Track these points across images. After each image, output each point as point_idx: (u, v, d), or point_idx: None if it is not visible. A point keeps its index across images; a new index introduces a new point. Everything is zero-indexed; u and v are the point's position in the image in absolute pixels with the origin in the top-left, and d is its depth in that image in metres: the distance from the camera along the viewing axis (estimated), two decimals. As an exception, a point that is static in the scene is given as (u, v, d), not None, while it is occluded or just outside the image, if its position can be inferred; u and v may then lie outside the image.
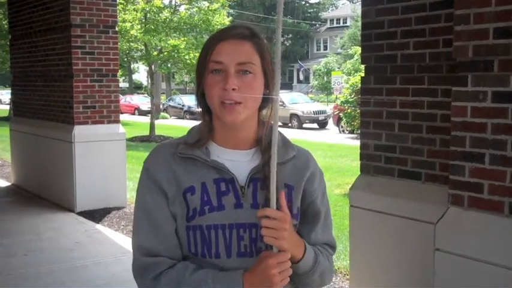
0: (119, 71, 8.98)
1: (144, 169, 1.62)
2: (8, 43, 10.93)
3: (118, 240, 6.28)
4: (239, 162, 1.59)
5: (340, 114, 14.63)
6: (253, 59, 1.56)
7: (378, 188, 3.95)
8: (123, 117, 7.68)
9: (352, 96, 11.68)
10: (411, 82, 3.76)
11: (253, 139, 1.62)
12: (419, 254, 3.59)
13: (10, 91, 11.65)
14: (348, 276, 5.14)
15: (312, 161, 1.70)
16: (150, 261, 1.57)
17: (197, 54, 17.79)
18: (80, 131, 7.59)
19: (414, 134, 3.77)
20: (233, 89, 1.51)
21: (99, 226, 6.94)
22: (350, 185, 10.49)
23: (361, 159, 4.15)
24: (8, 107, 31.92)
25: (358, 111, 12.87)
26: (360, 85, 10.72)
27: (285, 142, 1.66)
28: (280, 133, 1.61)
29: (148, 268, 1.56)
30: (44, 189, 8.35)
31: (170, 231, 1.57)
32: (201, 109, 1.62)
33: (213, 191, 1.55)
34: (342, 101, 12.59)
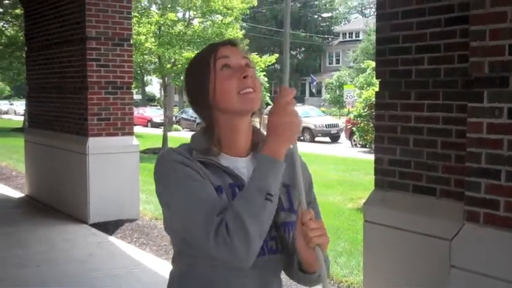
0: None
1: (168, 160, 1.64)
2: (24, 55, 11.06)
3: (131, 253, 6.28)
4: (242, 169, 1.69)
5: (353, 128, 14.60)
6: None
7: (392, 203, 3.93)
8: (136, 129, 7.77)
9: (366, 110, 11.66)
10: (426, 97, 3.75)
11: (248, 145, 1.73)
12: (434, 270, 3.57)
13: (25, 102, 11.78)
14: (360, 292, 5.12)
15: (297, 155, 1.71)
16: (217, 220, 1.53)
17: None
18: (94, 143, 7.63)
19: (429, 150, 3.75)
20: (250, 77, 1.64)
21: (112, 238, 6.95)
22: (363, 199, 10.40)
23: (375, 174, 4.14)
24: (22, 118, 32.21)
25: (371, 125, 12.86)
26: (373, 99, 10.70)
27: None
28: None
29: (216, 227, 1.52)
30: (57, 201, 8.39)
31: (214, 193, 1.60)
32: (206, 121, 1.71)
33: (230, 195, 1.63)
34: (355, 115, 12.55)
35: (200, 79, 1.67)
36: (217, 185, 1.62)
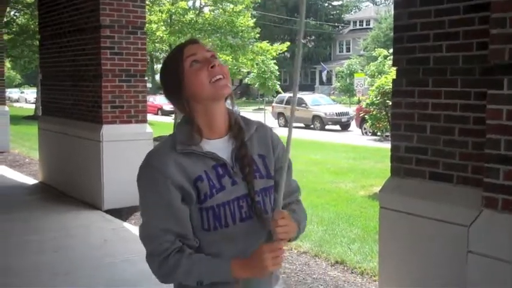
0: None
1: (149, 166, 1.86)
2: (35, 43, 11.11)
3: (145, 239, 6.33)
4: (222, 149, 1.91)
5: (366, 116, 14.56)
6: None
7: (409, 190, 3.95)
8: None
9: (378, 98, 11.61)
10: (444, 85, 3.75)
11: (226, 126, 1.95)
12: (451, 256, 3.59)
13: (35, 90, 11.85)
14: (374, 278, 5.15)
15: (267, 127, 2.06)
16: (167, 242, 1.85)
17: (222, 56, 17.87)
18: (108, 131, 7.68)
19: (446, 137, 3.76)
20: (217, 66, 1.86)
21: (126, 224, 7.02)
22: (374, 187, 10.37)
23: (391, 161, 4.15)
24: (33, 106, 32.36)
25: (384, 113, 12.81)
26: (386, 87, 10.62)
27: (245, 120, 1.99)
28: (240, 115, 1.99)
29: (164, 250, 1.85)
30: (72, 187, 8.47)
31: (186, 216, 1.86)
32: (186, 113, 1.92)
33: (214, 176, 1.87)
34: (367, 103, 12.50)
35: (175, 79, 1.88)
36: (198, 175, 1.84)
